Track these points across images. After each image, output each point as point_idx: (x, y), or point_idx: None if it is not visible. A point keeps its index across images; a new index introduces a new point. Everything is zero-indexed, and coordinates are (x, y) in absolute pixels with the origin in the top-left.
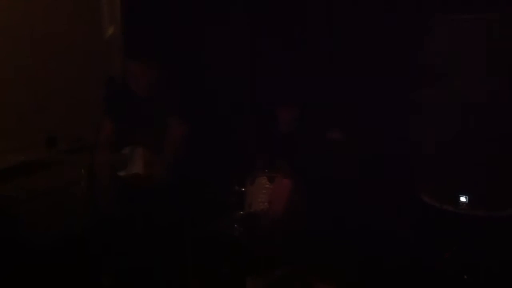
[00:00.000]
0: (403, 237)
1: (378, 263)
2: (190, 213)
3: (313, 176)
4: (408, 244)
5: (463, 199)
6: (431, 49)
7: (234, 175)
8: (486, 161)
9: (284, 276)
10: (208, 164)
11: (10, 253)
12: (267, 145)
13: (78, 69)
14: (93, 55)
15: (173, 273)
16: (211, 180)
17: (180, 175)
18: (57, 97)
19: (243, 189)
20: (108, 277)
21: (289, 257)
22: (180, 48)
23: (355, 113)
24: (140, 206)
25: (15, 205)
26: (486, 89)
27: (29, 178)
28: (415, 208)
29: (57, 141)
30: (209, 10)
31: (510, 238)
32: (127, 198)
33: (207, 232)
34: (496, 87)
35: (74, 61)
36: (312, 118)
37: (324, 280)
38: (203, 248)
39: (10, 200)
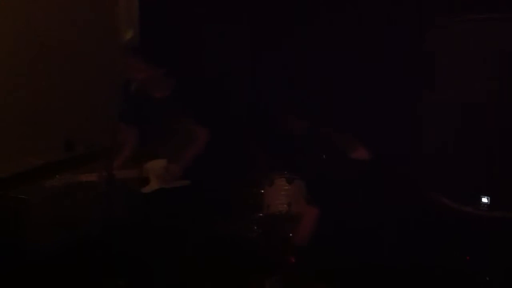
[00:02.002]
0: (422, 239)
1: (397, 266)
2: (208, 215)
3: (325, 177)
4: (428, 246)
5: (484, 200)
6: (441, 50)
7: (253, 177)
8: (507, 162)
9: (301, 277)
10: (226, 167)
11: (23, 254)
12: (284, 148)
13: (95, 73)
14: (111, 59)
15: (188, 276)
16: (229, 182)
17: (198, 178)
18: (74, 102)
19: (261, 191)
20: (122, 280)
21: (306, 258)
22: (198, 54)
23: (368, 115)
24: (156, 209)
25: (28, 207)
26: (504, 89)
27: (45, 181)
28: (434, 209)
29: (75, 146)
30: (225, 15)
31: None
32: (142, 202)
33: (226, 234)
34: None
35: (92, 65)
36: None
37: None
38: (221, 249)
39: (23, 202)
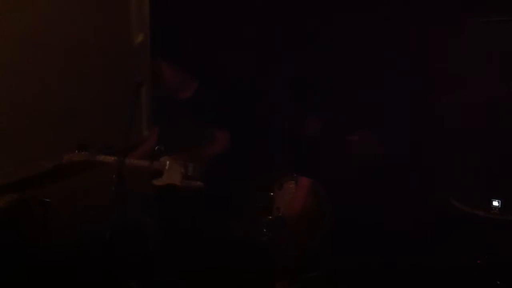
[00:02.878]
0: (432, 243)
1: (406, 268)
2: (219, 218)
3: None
4: (438, 250)
5: (495, 203)
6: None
7: (262, 180)
8: None
9: (312, 280)
10: (236, 169)
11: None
12: (294, 151)
13: (108, 76)
14: (123, 62)
15: (199, 278)
16: (239, 185)
17: (209, 180)
18: (87, 104)
19: (271, 193)
20: (136, 281)
21: (316, 261)
22: (211, 56)
23: (380, 117)
24: (168, 211)
25: (47, 209)
26: None
27: (60, 183)
28: (444, 212)
29: (88, 148)
30: (237, 16)
31: None
32: (156, 204)
33: (236, 237)
34: None
35: (104, 68)
36: (336, 125)
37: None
38: (232, 252)
39: (46, 205)
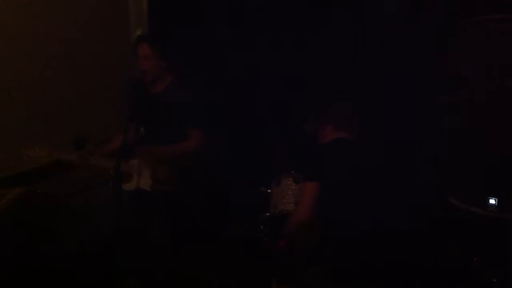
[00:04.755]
0: (428, 240)
1: (402, 266)
2: (215, 216)
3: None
4: (435, 247)
5: (492, 201)
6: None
7: (259, 177)
8: None
9: (309, 277)
10: (233, 166)
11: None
12: (292, 147)
13: (105, 72)
14: (120, 58)
15: (197, 276)
16: (236, 182)
17: (205, 178)
18: (84, 100)
19: (268, 190)
20: (134, 279)
21: (314, 258)
22: (206, 53)
23: (381, 113)
24: (162, 209)
25: (56, 203)
26: None
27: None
28: (441, 210)
29: (85, 144)
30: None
31: None
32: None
33: (232, 234)
34: None
35: (101, 64)
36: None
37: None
38: (228, 250)
39: (51, 198)
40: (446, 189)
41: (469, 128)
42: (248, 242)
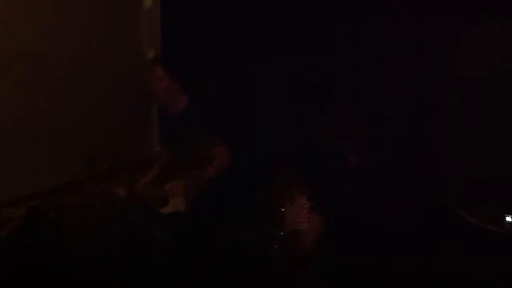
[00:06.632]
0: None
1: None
2: (229, 233)
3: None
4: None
5: (509, 219)
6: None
7: (273, 195)
8: None
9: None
10: (246, 184)
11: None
12: (306, 166)
13: (117, 87)
14: (132, 75)
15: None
16: (250, 200)
17: (217, 195)
18: (96, 118)
19: (282, 209)
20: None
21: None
22: (222, 74)
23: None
24: (175, 224)
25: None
26: None
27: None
28: (456, 227)
29: (96, 161)
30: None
31: None
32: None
33: (246, 252)
34: None
35: (114, 83)
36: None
37: None
38: (241, 267)
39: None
40: (461, 206)
41: (481, 142)
42: (261, 260)
